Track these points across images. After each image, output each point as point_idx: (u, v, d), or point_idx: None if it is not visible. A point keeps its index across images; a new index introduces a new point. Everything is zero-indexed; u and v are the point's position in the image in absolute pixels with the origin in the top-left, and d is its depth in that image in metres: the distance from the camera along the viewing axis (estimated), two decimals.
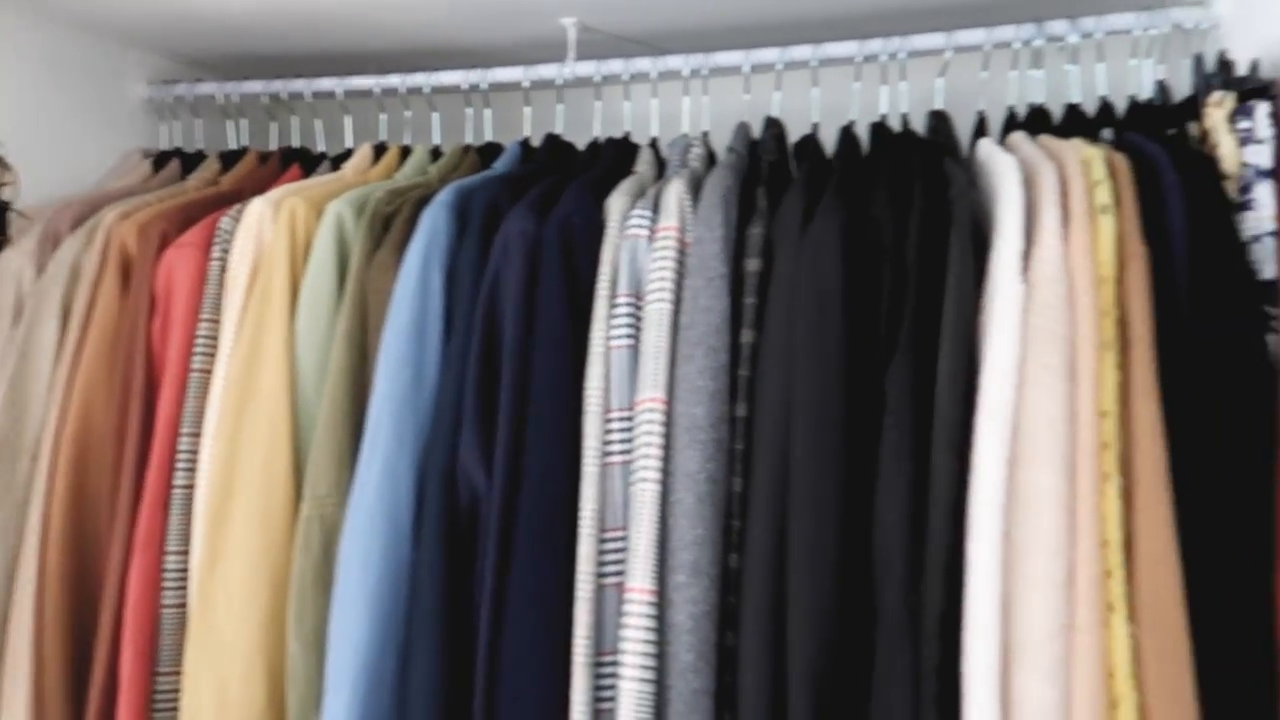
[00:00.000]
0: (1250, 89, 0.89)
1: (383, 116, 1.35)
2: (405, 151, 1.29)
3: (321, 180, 1.22)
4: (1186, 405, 0.82)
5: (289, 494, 1.02)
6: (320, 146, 1.39)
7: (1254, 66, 0.94)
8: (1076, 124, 1.09)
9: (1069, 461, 0.83)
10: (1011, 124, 1.12)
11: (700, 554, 0.88)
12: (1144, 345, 0.82)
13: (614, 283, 0.97)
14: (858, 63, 1.17)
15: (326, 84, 1.35)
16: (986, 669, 0.81)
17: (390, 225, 1.06)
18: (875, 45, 1.16)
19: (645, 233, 0.98)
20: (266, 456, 1.02)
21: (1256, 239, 0.88)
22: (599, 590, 0.91)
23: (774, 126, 1.16)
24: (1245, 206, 0.88)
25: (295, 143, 1.41)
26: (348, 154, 1.32)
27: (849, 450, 0.86)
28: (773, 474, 0.89)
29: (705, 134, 1.21)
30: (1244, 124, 0.87)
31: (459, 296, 0.99)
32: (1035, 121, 1.11)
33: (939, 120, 1.12)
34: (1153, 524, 0.80)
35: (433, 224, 1.01)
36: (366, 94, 1.34)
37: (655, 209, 0.99)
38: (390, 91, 1.33)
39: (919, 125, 1.14)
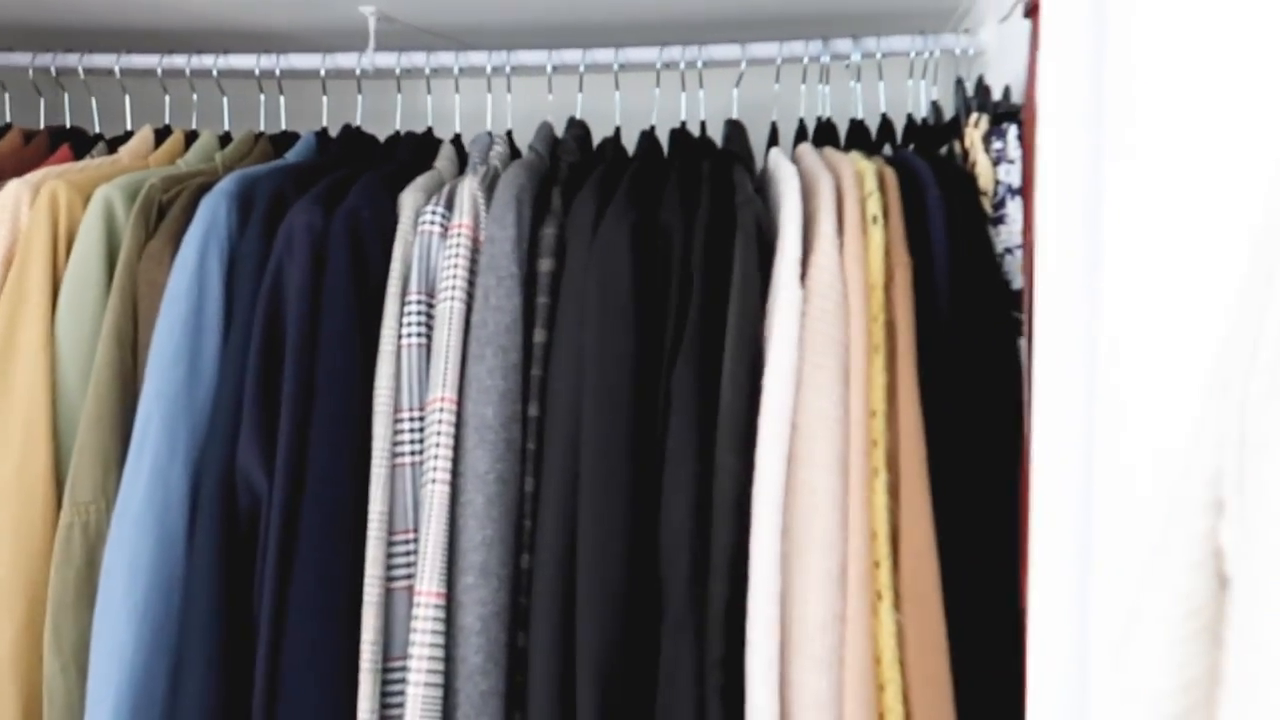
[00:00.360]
0: (1003, 112, 0.97)
1: (167, 99, 1.27)
2: (192, 137, 1.22)
3: (93, 163, 1.13)
4: (944, 404, 0.88)
5: (48, 501, 0.95)
6: (97, 128, 1.30)
7: (1006, 92, 1.02)
8: (860, 139, 1.15)
9: (842, 459, 0.88)
10: (801, 136, 1.17)
11: (489, 555, 0.87)
12: (907, 349, 0.88)
13: (405, 280, 0.95)
14: (658, 69, 1.19)
15: (102, 60, 1.26)
16: (767, 661, 0.84)
17: (166, 214, 1.00)
18: (674, 52, 1.18)
19: (438, 229, 0.97)
20: (22, 460, 0.94)
21: (1009, 251, 0.95)
22: (387, 594, 0.89)
23: (576, 127, 1.17)
24: (999, 221, 0.96)
25: (68, 123, 1.31)
26: (127, 137, 1.23)
27: (637, 450, 0.88)
28: (563, 474, 0.89)
29: (509, 132, 1.21)
30: (997, 144, 0.95)
31: (240, 291, 0.95)
32: (823, 134, 1.17)
33: (734, 129, 1.15)
34: (914, 517, 0.86)
35: (212, 213, 0.96)
36: (149, 74, 1.26)
37: (449, 206, 0.98)
38: (175, 72, 1.25)
39: (717, 133, 1.18)
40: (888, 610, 0.85)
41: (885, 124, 1.17)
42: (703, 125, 1.19)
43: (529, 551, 0.90)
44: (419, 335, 0.94)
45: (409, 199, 0.99)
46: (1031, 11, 0.88)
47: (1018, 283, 0.95)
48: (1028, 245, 0.91)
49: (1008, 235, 0.96)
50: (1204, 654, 0.41)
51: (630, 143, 1.18)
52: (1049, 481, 0.78)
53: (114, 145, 1.23)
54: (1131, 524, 0.68)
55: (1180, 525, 0.42)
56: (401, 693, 0.88)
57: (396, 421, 0.92)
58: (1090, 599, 0.72)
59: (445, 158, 1.13)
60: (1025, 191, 0.95)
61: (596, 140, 1.18)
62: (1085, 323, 0.76)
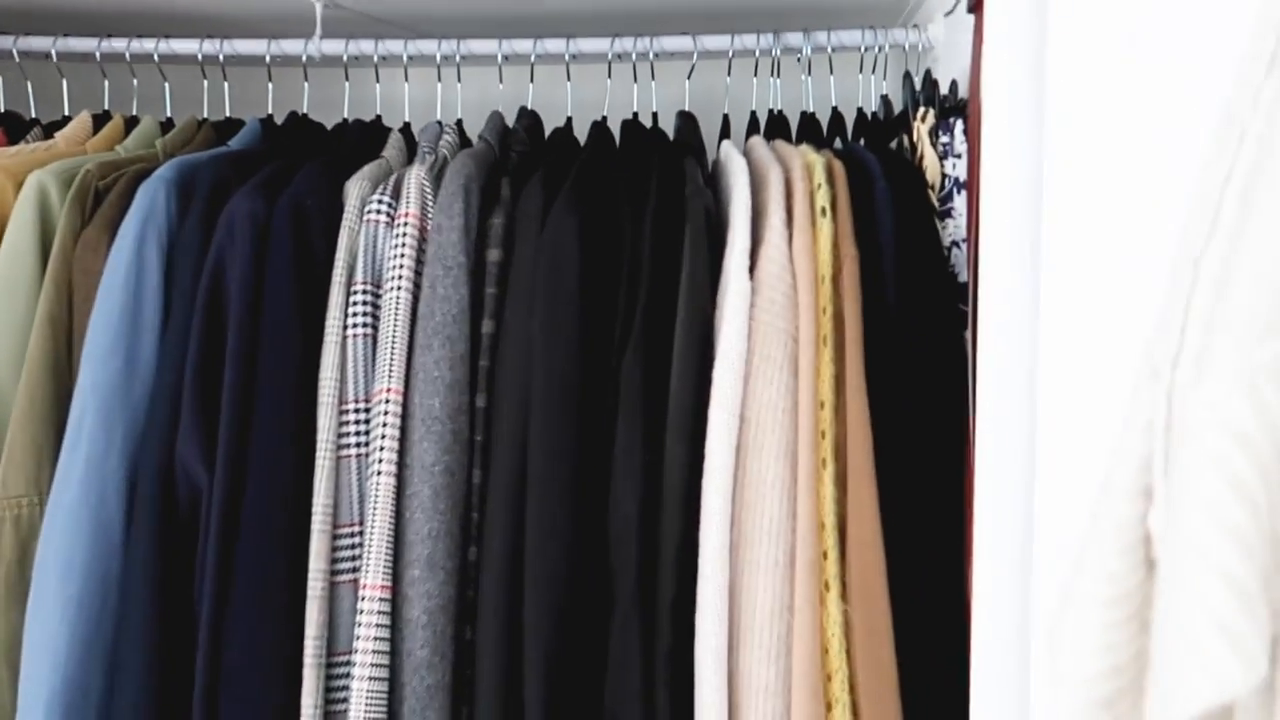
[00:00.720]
0: (950, 106, 0.97)
1: (106, 84, 1.24)
2: (133, 123, 1.19)
3: (27, 148, 1.10)
4: (891, 396, 0.88)
5: None
6: (33, 114, 1.26)
7: (953, 86, 1.03)
8: (811, 131, 1.15)
9: (791, 450, 0.88)
10: (754, 128, 1.17)
11: (436, 548, 0.86)
12: (854, 340, 0.88)
13: (350, 269, 0.94)
14: (610, 59, 1.19)
15: (38, 43, 1.22)
16: (715, 652, 0.84)
17: (103, 200, 0.97)
18: (627, 43, 1.18)
19: (384, 219, 0.95)
20: None
21: (956, 244, 0.96)
22: (332, 588, 0.88)
23: (527, 118, 1.16)
24: (947, 214, 0.97)
25: (2, 107, 1.27)
26: (65, 122, 1.20)
27: (585, 441, 0.88)
28: (511, 465, 0.88)
29: (459, 122, 1.19)
30: (944, 138, 0.96)
31: (179, 280, 0.93)
32: (775, 127, 1.17)
33: (686, 120, 1.15)
34: (860, 508, 0.86)
35: (150, 200, 0.94)
36: (87, 58, 1.23)
37: (396, 195, 0.97)
38: (114, 56, 1.22)
39: (669, 125, 1.18)
40: (835, 600, 0.86)
41: (836, 117, 1.18)
42: (654, 116, 1.19)
43: (476, 544, 0.89)
44: (364, 326, 0.92)
45: (354, 187, 0.98)
46: (976, 7, 0.88)
47: (965, 275, 0.96)
48: (972, 238, 0.92)
49: (955, 229, 0.97)
50: (1133, 639, 0.41)
51: (582, 134, 1.17)
52: (992, 471, 0.79)
53: (50, 130, 1.19)
54: (1068, 511, 0.69)
55: (1110, 510, 0.42)
56: (346, 688, 0.87)
57: (341, 413, 0.91)
58: (1031, 587, 0.73)
59: (393, 146, 1.12)
60: (970, 185, 0.95)
61: (548, 131, 1.18)
62: (1027, 315, 0.77)
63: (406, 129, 1.19)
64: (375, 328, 0.93)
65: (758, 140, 1.06)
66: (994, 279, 0.79)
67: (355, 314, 0.92)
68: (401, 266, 0.93)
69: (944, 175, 0.97)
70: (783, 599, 0.86)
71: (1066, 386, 0.73)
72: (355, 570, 0.88)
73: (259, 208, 0.92)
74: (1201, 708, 0.33)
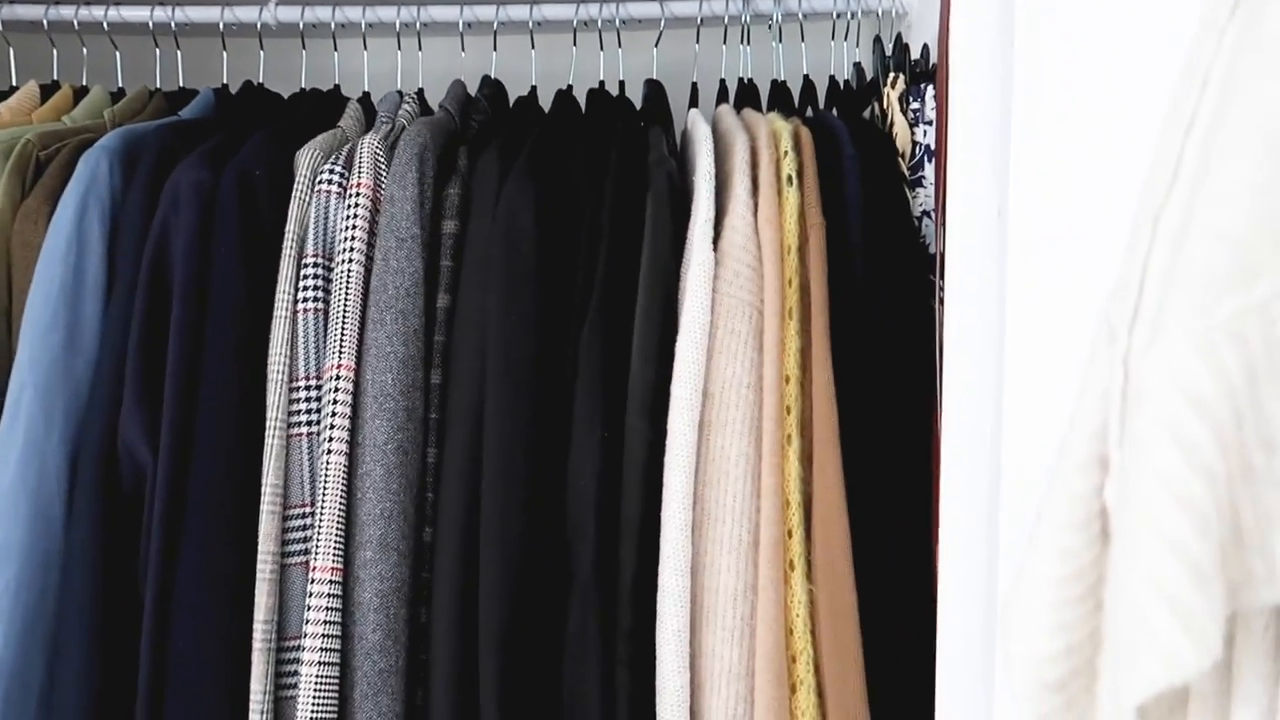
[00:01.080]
0: (920, 72, 0.94)
1: (54, 53, 1.20)
2: (83, 93, 1.15)
3: None
4: (858, 369, 0.86)
5: None
6: None
7: (924, 51, 1.00)
8: (782, 100, 1.12)
9: (755, 426, 0.86)
10: (723, 97, 1.14)
11: (389, 528, 0.84)
12: (820, 313, 0.85)
13: (301, 241, 0.91)
14: (575, 27, 1.15)
15: None
16: (676, 632, 0.82)
17: (44, 171, 0.94)
18: (592, 9, 1.14)
19: (336, 189, 0.92)
20: None
21: (926, 214, 0.94)
22: (282, 571, 0.85)
23: (490, 86, 1.12)
24: (917, 183, 0.94)
25: None
26: (10, 92, 1.16)
27: (542, 417, 0.85)
28: (466, 443, 0.86)
29: (420, 91, 1.16)
30: (915, 105, 0.93)
31: (122, 253, 0.89)
32: (745, 96, 1.14)
33: (653, 89, 1.12)
34: (826, 485, 0.84)
35: (92, 170, 0.90)
36: (34, 26, 1.19)
37: (349, 165, 0.94)
38: (62, 25, 1.18)
39: (636, 95, 1.14)
40: (800, 580, 0.84)
41: (807, 86, 1.15)
42: (621, 85, 1.15)
43: (431, 525, 0.86)
44: (315, 300, 0.89)
45: (305, 157, 0.94)
46: None
47: (935, 246, 0.93)
48: (941, 207, 0.90)
49: (925, 198, 0.94)
50: (1086, 618, 0.39)
51: (548, 104, 1.14)
52: (959, 446, 0.76)
53: None
54: (1034, 487, 0.66)
55: (1064, 483, 0.40)
56: (297, 673, 0.84)
57: (292, 390, 0.88)
58: (997, 566, 0.71)
59: (351, 116, 1.08)
60: (939, 153, 0.93)
61: (513, 101, 1.14)
62: (994, 286, 0.75)
63: (365, 99, 1.16)
64: (327, 302, 0.89)
65: (725, 109, 1.03)
66: (960, 249, 0.77)
67: (306, 288, 0.89)
68: (353, 239, 0.90)
69: (915, 143, 0.94)
70: (746, 579, 0.83)
71: (1034, 359, 0.71)
72: (307, 552, 0.86)
73: (205, 177, 0.89)
74: (1151, 691, 0.31)
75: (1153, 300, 0.38)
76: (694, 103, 1.14)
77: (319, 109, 1.10)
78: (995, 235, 0.74)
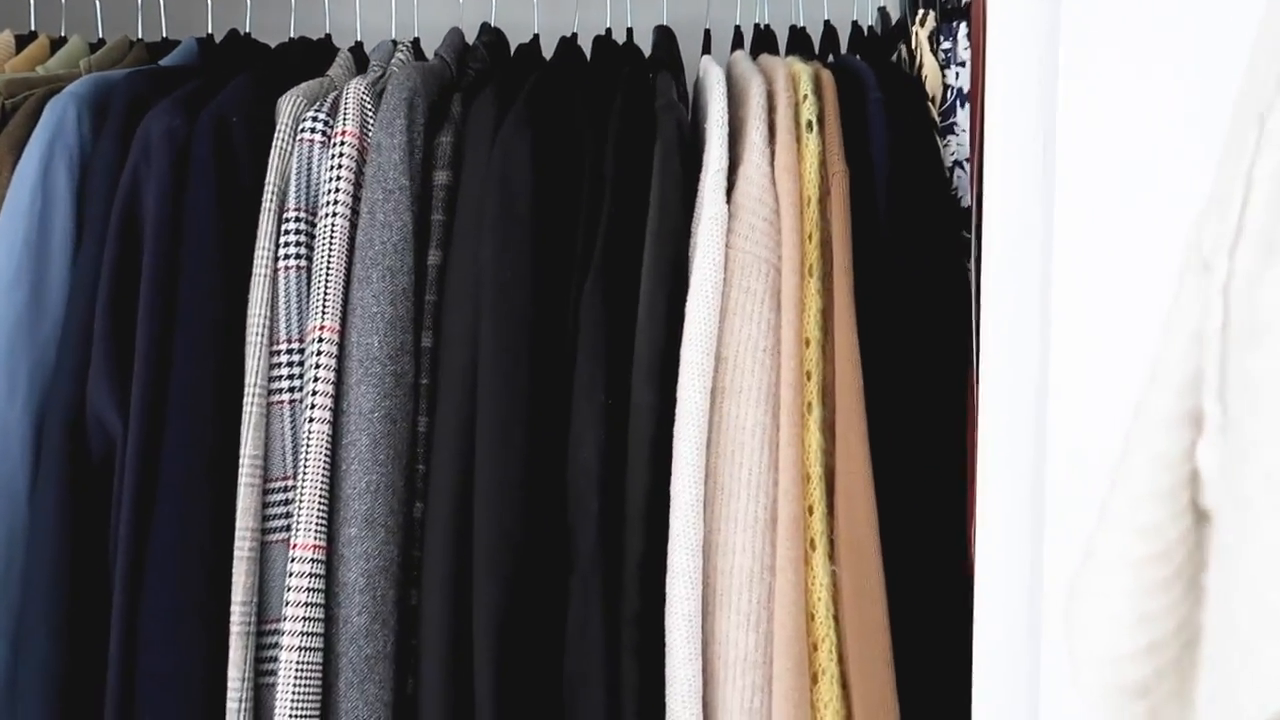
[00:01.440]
0: (952, 8, 0.87)
1: (32, 3, 1.14)
2: (61, 44, 1.09)
3: None
4: (885, 332, 0.79)
5: None
6: None
7: None
8: (801, 47, 1.05)
9: (773, 393, 0.79)
10: (738, 45, 1.07)
11: (375, 503, 0.78)
12: (844, 270, 0.78)
13: (282, 194, 0.84)
14: None
15: None
16: (687, 617, 0.76)
17: (9, 120, 0.88)
18: None
19: (320, 138, 0.85)
20: None
21: (959, 164, 0.86)
22: (263, 548, 0.79)
23: (489, 34, 1.05)
24: (949, 131, 0.86)
25: None
26: None
27: (541, 384, 0.78)
28: (460, 411, 0.79)
29: (415, 40, 1.09)
30: (946, 45, 0.85)
31: (91, 206, 0.83)
32: (761, 44, 1.06)
33: (663, 35, 1.04)
34: (850, 457, 0.77)
35: (59, 118, 0.84)
36: None
37: (334, 112, 0.87)
38: None
39: (646, 46, 1.07)
40: (822, 561, 0.77)
41: (829, 32, 1.07)
42: (629, 32, 1.08)
43: (422, 499, 0.80)
44: (297, 257, 0.83)
45: (287, 104, 0.87)
46: None
47: (968, 199, 0.86)
48: (976, 156, 0.82)
49: (957, 147, 0.87)
50: (1173, 607, 0.32)
51: (551, 55, 1.06)
52: (999, 414, 0.69)
53: None
54: (1089, 455, 0.59)
55: (1145, 444, 0.33)
56: (278, 659, 0.78)
57: (273, 354, 0.81)
58: (1044, 548, 0.64)
59: (340, 65, 1.01)
60: (974, 97, 0.85)
61: (514, 51, 1.07)
62: (1037, 243, 0.67)
63: (358, 48, 1.09)
64: (310, 259, 0.83)
65: (740, 54, 0.96)
66: (1000, 201, 0.69)
67: (287, 244, 0.83)
68: (338, 190, 0.83)
69: (945, 86, 0.86)
70: (763, 559, 0.77)
71: (1087, 317, 0.64)
72: (289, 529, 0.80)
73: (178, 124, 0.82)
74: None
75: (1262, 214, 0.30)
76: (707, 51, 1.07)
77: (308, 58, 1.04)
78: (1041, 191, 0.66)
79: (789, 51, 1.05)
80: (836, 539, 0.77)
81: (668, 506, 0.77)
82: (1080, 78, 0.63)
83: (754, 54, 1.00)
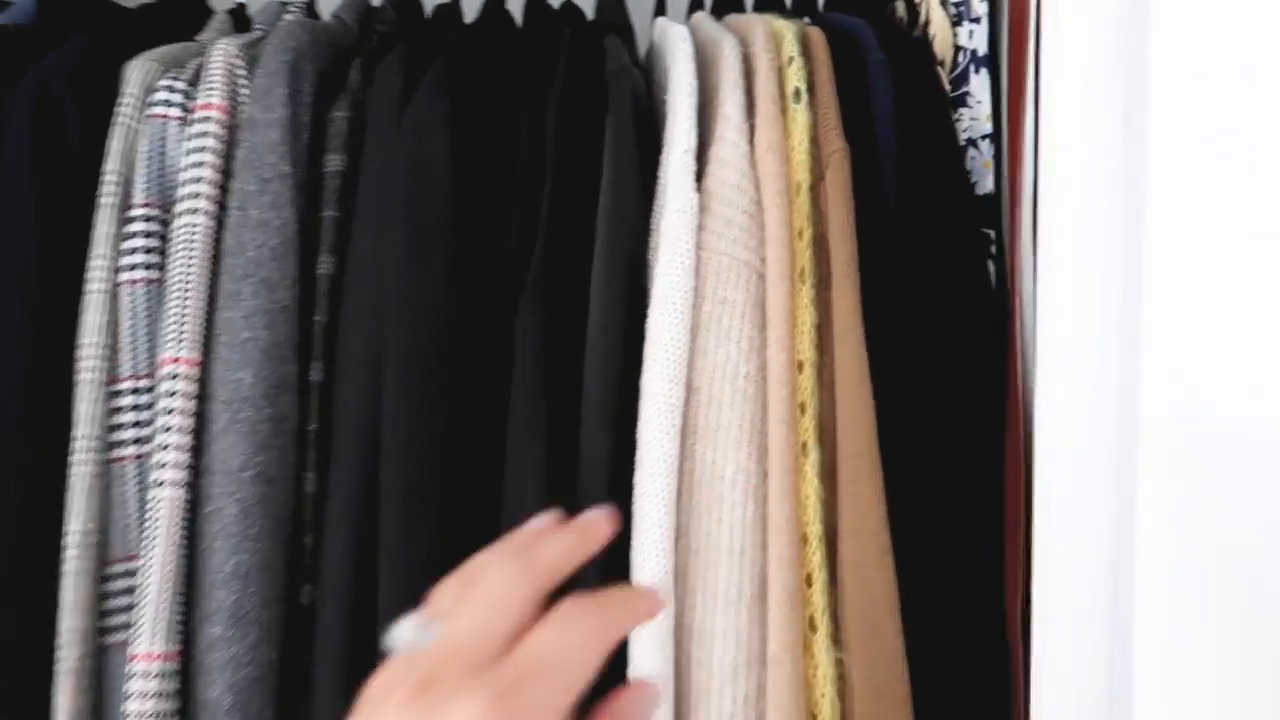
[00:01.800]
0: None
1: None
2: None
3: None
4: (897, 352, 0.63)
5: None
6: None
7: None
8: (773, 6, 0.89)
9: (758, 432, 0.63)
10: (698, 6, 0.91)
11: (245, 592, 0.59)
12: (845, 274, 0.62)
13: (126, 185, 0.66)
14: None
15: None
16: None
17: None
18: None
19: (177, 113, 0.67)
20: None
21: (973, 142, 0.71)
22: (98, 655, 0.60)
23: None
24: (960, 102, 0.71)
25: None
26: None
27: (464, 427, 0.61)
28: (359, 467, 0.62)
29: (310, 1, 0.91)
30: None
31: None
32: (725, 5, 0.90)
33: None
34: (859, 511, 0.61)
35: None
36: None
37: (195, 81, 0.68)
38: None
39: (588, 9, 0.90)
40: (824, 646, 0.61)
41: None
42: None
43: (312, 582, 0.62)
44: (146, 267, 0.65)
45: (137, 71, 0.69)
46: None
47: (986, 185, 0.71)
48: (1014, 133, 0.67)
49: (970, 121, 0.71)
50: None
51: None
52: (1056, 464, 0.54)
53: None
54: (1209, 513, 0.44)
55: None
56: None
57: (112, 395, 0.63)
58: (1131, 641, 0.48)
59: (215, 29, 0.83)
60: (995, 59, 0.70)
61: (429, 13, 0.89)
62: (1112, 245, 0.52)
63: (240, 10, 0.90)
64: (163, 269, 0.65)
65: (702, 15, 0.80)
66: (1062, 200, 0.54)
67: (133, 250, 0.65)
68: (199, 181, 0.65)
69: (957, 48, 0.71)
70: (750, 647, 0.60)
71: (1176, 337, 0.49)
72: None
73: None
74: None
75: None
76: (661, 14, 0.90)
77: (176, 22, 0.85)
78: (1121, 183, 0.51)
79: (757, 11, 0.89)
80: (843, 619, 0.61)
81: (626, 581, 0.60)
82: (1177, 53, 0.48)
83: (716, 13, 0.84)
